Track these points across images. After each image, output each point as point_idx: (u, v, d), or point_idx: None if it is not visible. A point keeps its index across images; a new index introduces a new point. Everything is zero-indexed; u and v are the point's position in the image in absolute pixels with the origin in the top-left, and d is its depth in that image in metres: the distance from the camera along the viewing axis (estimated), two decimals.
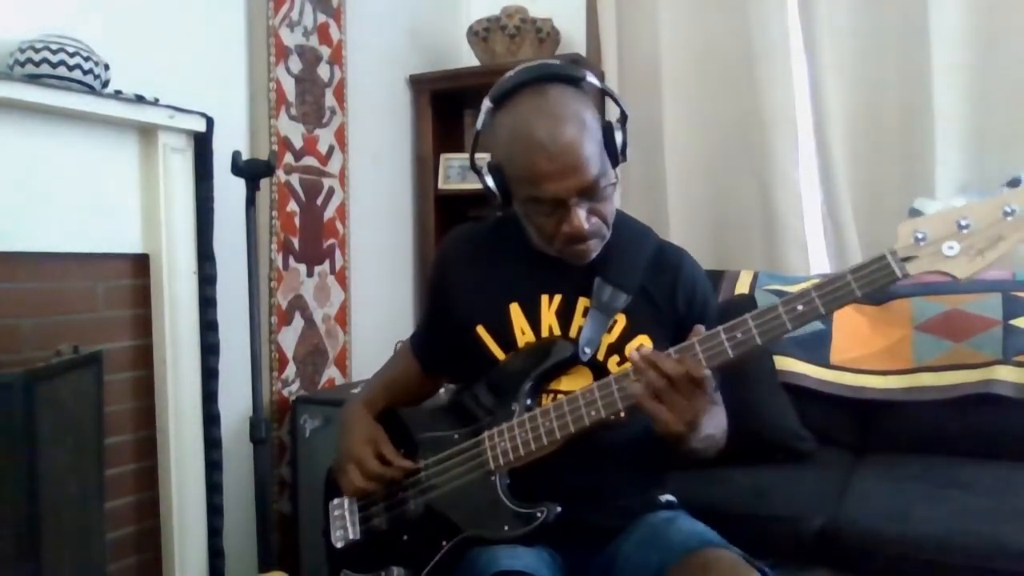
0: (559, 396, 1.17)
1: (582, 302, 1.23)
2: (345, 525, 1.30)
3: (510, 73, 1.17)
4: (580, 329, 1.20)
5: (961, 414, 1.92)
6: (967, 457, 1.87)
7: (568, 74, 1.16)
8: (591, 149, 1.11)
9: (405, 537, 1.24)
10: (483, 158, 1.21)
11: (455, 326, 1.29)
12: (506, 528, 1.14)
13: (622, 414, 1.18)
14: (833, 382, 2.06)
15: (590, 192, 1.12)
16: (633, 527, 1.19)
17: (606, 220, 1.18)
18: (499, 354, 1.24)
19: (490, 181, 1.18)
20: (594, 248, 1.19)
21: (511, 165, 1.15)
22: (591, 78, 1.18)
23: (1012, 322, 1.94)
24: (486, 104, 1.18)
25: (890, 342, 2.06)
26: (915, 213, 0.98)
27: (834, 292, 1.01)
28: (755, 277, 2.25)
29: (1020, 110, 2.23)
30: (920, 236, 0.97)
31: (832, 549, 1.58)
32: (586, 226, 1.13)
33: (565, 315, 1.23)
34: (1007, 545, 1.43)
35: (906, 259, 0.98)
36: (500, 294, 1.25)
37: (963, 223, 0.95)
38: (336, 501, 1.33)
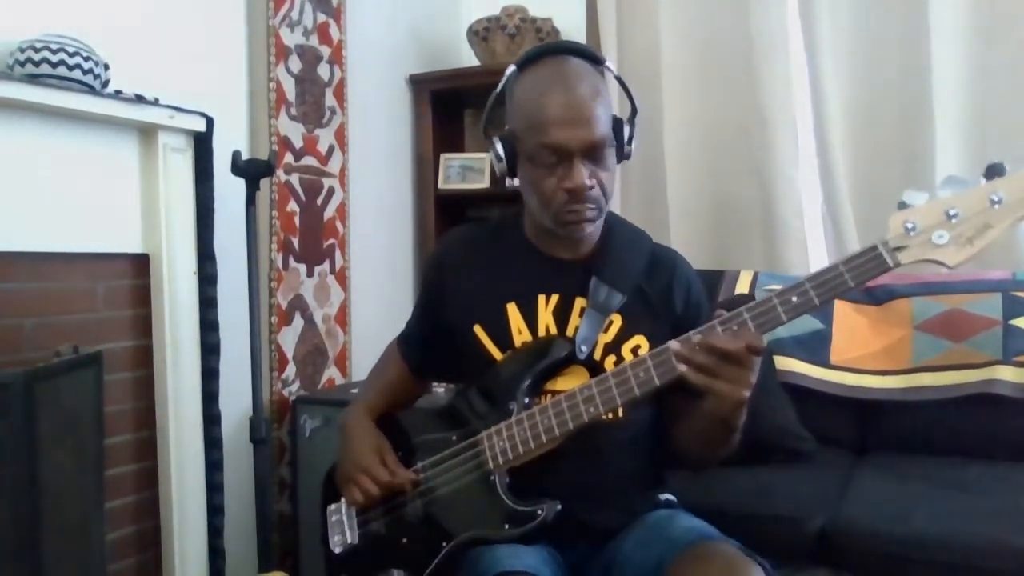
0: (557, 395, 1.16)
1: (579, 302, 1.23)
2: (343, 530, 1.30)
3: (538, 45, 1.24)
4: (577, 328, 1.21)
5: (961, 414, 1.92)
6: (967, 457, 1.87)
7: (592, 54, 1.22)
8: (602, 112, 1.15)
9: (405, 540, 1.24)
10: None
11: (451, 327, 1.29)
12: (507, 527, 1.14)
13: (620, 411, 1.18)
14: (833, 382, 2.06)
15: (594, 152, 1.15)
16: (633, 525, 1.19)
17: (605, 191, 1.18)
18: (496, 354, 1.24)
19: (500, 148, 1.20)
20: (592, 218, 1.19)
21: (524, 117, 1.17)
22: (611, 63, 1.23)
23: (1012, 322, 1.94)
24: (510, 69, 1.22)
25: (890, 342, 2.06)
26: (904, 205, 1.00)
27: (827, 283, 1.02)
28: (755, 277, 2.25)
29: (1020, 110, 2.23)
30: (910, 226, 0.98)
31: (832, 549, 1.58)
32: (587, 182, 1.14)
33: (562, 315, 1.23)
34: (1007, 545, 1.44)
35: (897, 249, 0.99)
36: (497, 294, 1.26)
37: (952, 212, 0.97)
38: (333, 507, 1.33)
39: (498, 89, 1.23)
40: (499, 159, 1.21)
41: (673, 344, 1.05)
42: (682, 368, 1.03)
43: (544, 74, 1.18)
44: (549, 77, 1.17)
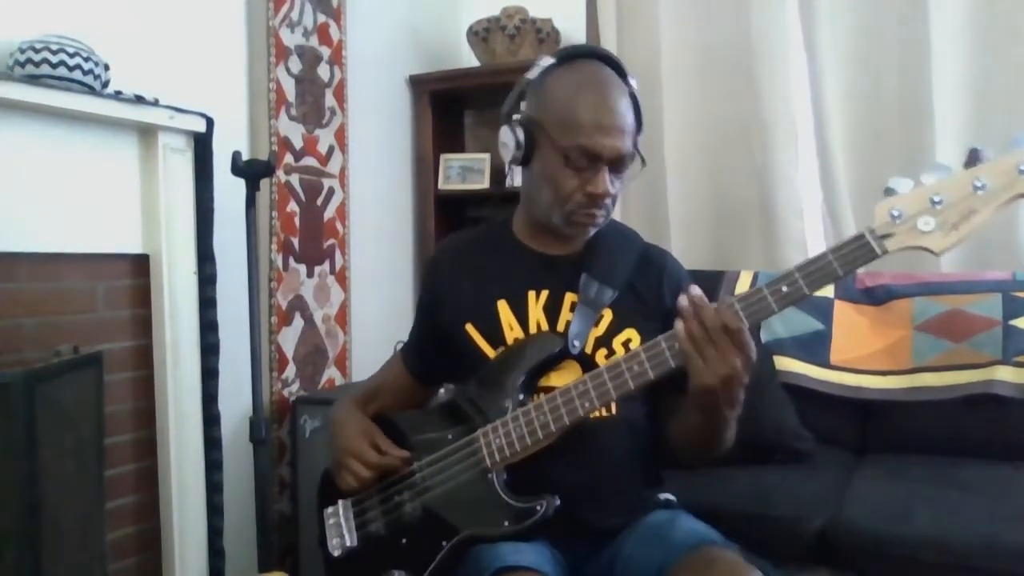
0: (552, 391, 1.16)
1: (569, 297, 1.24)
2: (342, 532, 1.28)
3: (576, 43, 1.24)
4: (568, 323, 1.21)
5: (961, 414, 1.92)
6: (967, 457, 1.87)
7: (624, 70, 1.25)
8: (632, 126, 1.20)
9: (404, 540, 1.24)
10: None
11: (445, 329, 1.30)
12: (506, 524, 1.14)
13: (614, 408, 1.19)
14: (833, 382, 2.06)
15: (620, 163, 1.19)
16: (634, 526, 1.19)
17: (615, 200, 1.23)
18: (489, 352, 1.24)
19: (520, 135, 1.21)
20: (600, 223, 1.23)
21: (561, 112, 1.18)
22: (632, 81, 1.25)
23: (1012, 322, 1.94)
24: (546, 60, 1.23)
25: (890, 342, 2.06)
26: (890, 192, 1.00)
27: (816, 272, 1.03)
28: (755, 277, 2.25)
29: (1020, 110, 2.23)
30: (896, 214, 0.99)
31: (832, 549, 1.58)
32: (611, 190, 1.18)
33: (552, 310, 1.24)
34: (1007, 545, 1.44)
35: (884, 236, 0.99)
36: (488, 292, 1.27)
37: (936, 199, 0.97)
38: (330, 509, 1.32)
39: (530, 76, 1.24)
40: (518, 146, 1.21)
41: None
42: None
43: (586, 74, 1.20)
44: (591, 79, 1.19)
